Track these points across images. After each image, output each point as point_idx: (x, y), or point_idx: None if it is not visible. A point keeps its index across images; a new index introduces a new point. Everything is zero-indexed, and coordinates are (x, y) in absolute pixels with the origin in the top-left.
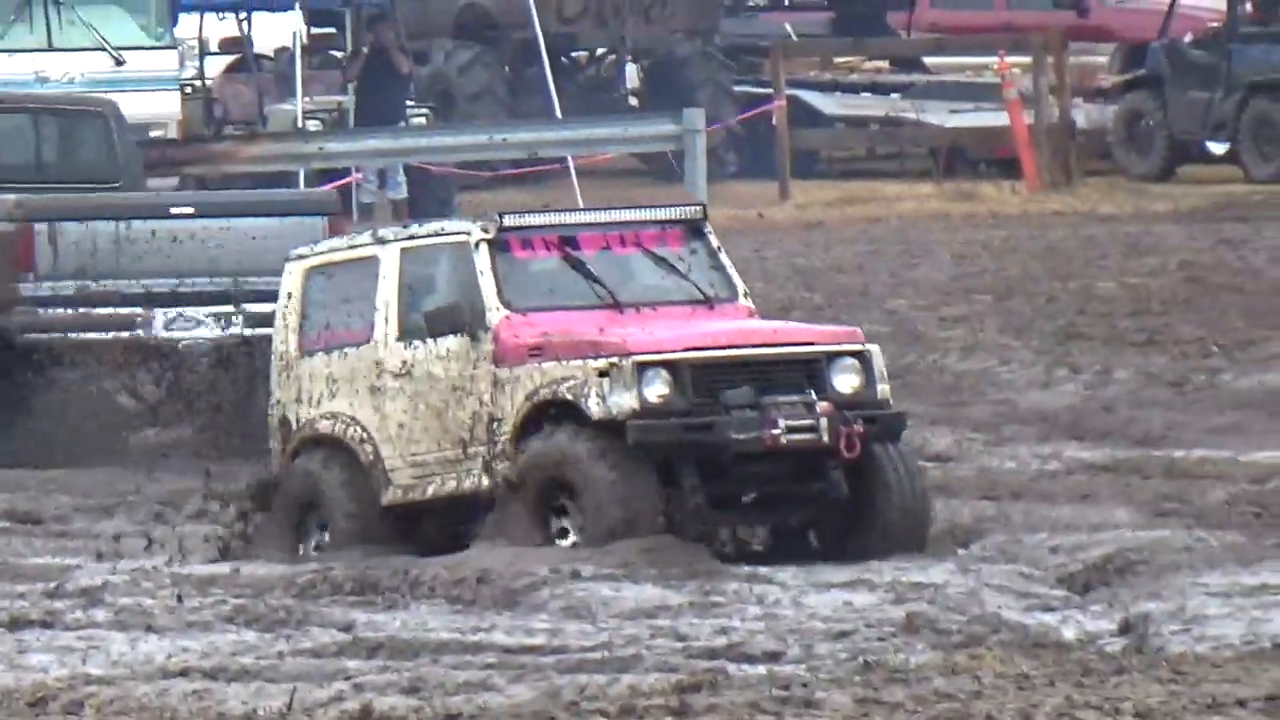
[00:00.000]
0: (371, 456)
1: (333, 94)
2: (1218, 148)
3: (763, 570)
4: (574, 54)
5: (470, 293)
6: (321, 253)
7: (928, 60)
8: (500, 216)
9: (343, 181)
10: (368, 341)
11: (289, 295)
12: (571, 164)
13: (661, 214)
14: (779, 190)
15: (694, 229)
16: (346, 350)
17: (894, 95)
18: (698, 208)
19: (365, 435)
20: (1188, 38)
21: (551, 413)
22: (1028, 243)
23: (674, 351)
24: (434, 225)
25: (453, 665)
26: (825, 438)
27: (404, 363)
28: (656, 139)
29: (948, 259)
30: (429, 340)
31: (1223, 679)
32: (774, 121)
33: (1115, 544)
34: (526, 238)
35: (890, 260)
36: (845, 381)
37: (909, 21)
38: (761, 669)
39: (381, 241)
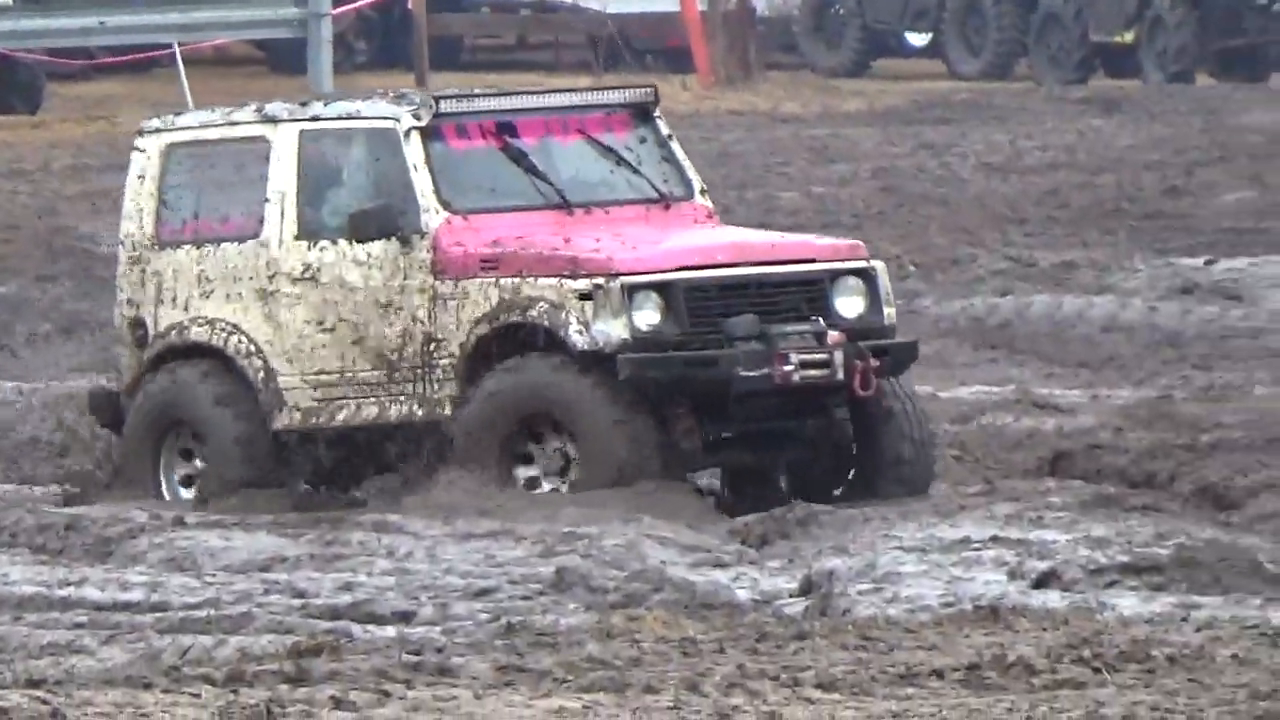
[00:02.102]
0: (261, 373)
1: None
2: (918, 39)
3: (393, 519)
4: None
5: (397, 189)
6: (188, 127)
7: None
8: (436, 100)
9: None
10: (255, 237)
11: (141, 176)
12: (178, 52)
13: (610, 96)
14: (415, 83)
15: (643, 114)
16: (225, 245)
17: None
18: (649, 89)
19: (253, 348)
20: None
21: (516, 336)
22: (700, 145)
23: (666, 271)
24: (344, 104)
25: (37, 624)
26: (839, 374)
27: (307, 266)
28: (275, 24)
29: None
30: (342, 241)
31: (917, 646)
32: (410, 4)
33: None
34: (462, 125)
35: None
36: (849, 305)
37: None
38: (390, 631)
39: (272, 120)
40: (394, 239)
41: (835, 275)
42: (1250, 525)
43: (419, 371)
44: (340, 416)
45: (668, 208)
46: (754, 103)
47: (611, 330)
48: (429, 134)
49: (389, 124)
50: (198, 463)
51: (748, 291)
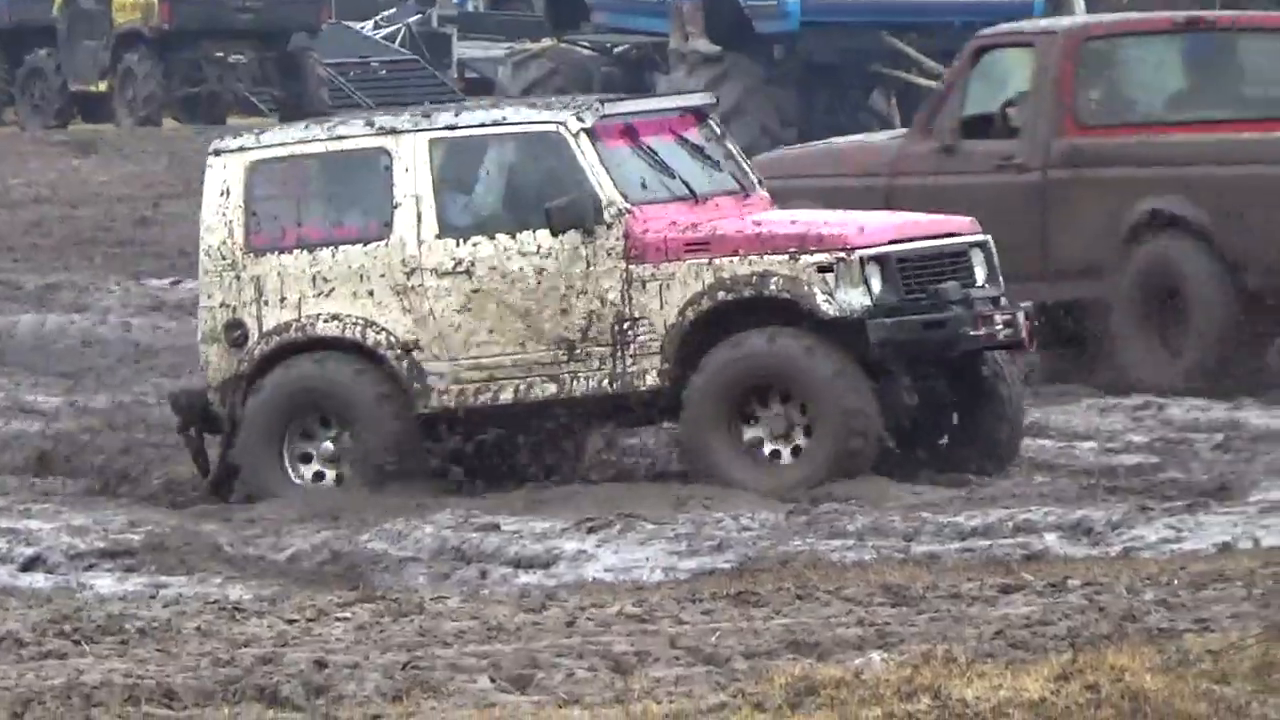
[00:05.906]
0: (404, 361)
1: None
2: None
3: None
4: None
5: (569, 185)
6: (274, 144)
7: None
8: (601, 103)
9: None
10: (382, 239)
11: (224, 192)
12: None
13: (693, 100)
14: None
15: (703, 117)
16: (343, 248)
17: None
18: (712, 94)
19: (392, 339)
20: None
21: (731, 311)
22: None
23: (883, 245)
24: (483, 113)
25: None
26: (1022, 333)
27: (458, 261)
28: None
29: None
30: (500, 235)
31: None
32: None
33: None
34: (608, 127)
35: None
36: (980, 273)
37: None
38: None
39: (392, 132)
40: (580, 231)
41: (972, 246)
42: (207, 514)
43: (609, 349)
44: (508, 395)
45: (747, 197)
46: None
47: (853, 299)
48: (593, 136)
49: (552, 127)
50: (326, 444)
51: (928, 261)
